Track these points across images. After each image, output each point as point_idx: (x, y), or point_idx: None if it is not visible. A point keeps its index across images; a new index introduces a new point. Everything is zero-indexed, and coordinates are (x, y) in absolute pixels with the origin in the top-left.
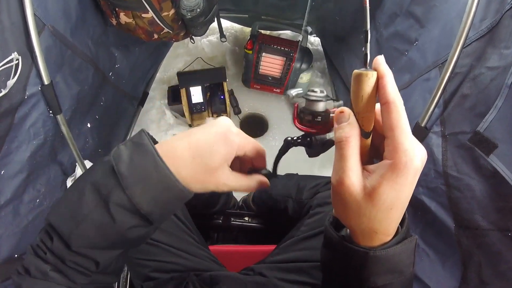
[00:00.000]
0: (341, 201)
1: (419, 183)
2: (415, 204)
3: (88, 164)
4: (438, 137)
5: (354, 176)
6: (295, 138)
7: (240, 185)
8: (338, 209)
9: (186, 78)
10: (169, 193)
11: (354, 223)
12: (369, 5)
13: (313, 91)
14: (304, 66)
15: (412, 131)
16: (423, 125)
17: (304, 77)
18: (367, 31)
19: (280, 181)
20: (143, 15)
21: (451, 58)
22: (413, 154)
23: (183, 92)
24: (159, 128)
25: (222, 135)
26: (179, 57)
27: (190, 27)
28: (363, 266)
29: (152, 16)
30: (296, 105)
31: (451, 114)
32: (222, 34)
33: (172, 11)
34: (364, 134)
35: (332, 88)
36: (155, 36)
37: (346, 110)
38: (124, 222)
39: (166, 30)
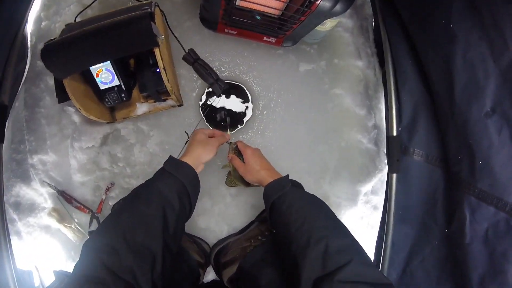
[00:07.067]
0: (245, 173)
1: None
2: None
3: None
4: None
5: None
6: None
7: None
8: (248, 178)
9: (64, 54)
10: (187, 168)
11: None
12: None
13: None
14: (339, 7)
15: None
16: None
17: (329, 24)
18: None
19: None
20: None
21: None
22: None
23: (67, 82)
24: (62, 132)
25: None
26: None
27: None
28: (265, 195)
29: None
30: None
31: None
32: None
33: None
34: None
35: (372, 52)
36: None
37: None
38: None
39: None
